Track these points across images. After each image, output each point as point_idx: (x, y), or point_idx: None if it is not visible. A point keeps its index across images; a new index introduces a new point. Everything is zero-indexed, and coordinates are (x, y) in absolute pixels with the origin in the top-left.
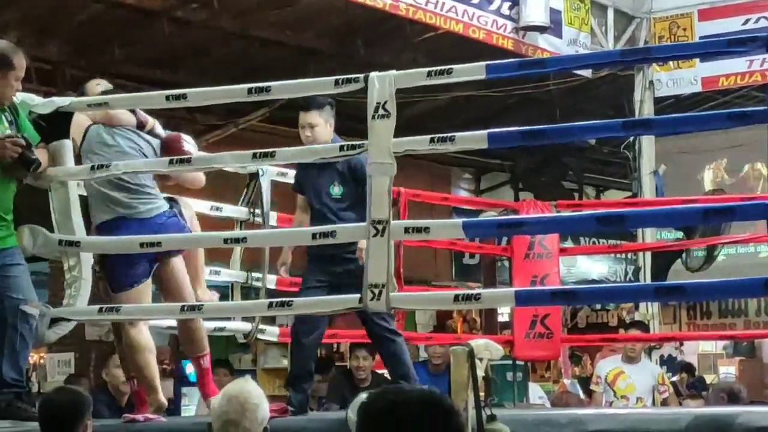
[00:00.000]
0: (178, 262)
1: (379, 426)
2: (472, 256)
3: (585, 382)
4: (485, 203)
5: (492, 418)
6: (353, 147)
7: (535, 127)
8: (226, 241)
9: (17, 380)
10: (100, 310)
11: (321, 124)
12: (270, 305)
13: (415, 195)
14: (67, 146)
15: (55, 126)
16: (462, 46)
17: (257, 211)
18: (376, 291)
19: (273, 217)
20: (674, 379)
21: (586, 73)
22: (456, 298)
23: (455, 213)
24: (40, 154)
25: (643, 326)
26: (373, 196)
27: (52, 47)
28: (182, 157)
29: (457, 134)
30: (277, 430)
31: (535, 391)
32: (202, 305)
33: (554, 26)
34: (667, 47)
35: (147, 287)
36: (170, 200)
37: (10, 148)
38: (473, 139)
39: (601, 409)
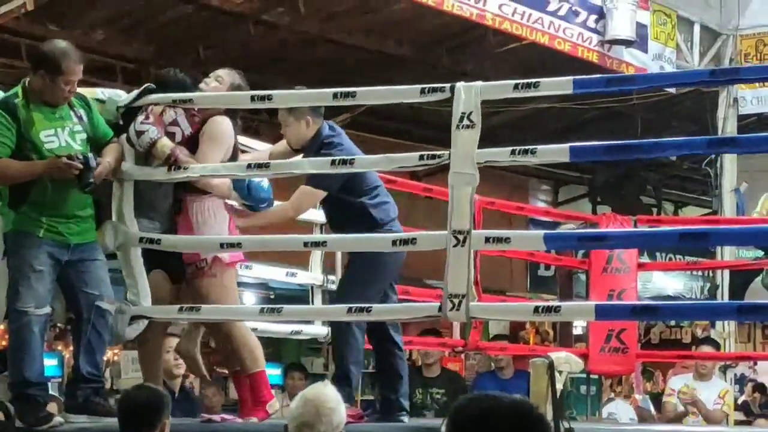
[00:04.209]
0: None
1: None
2: (547, 267)
3: (656, 398)
4: (563, 215)
5: (570, 431)
6: (433, 156)
7: (619, 141)
8: (306, 244)
9: (95, 375)
10: (180, 309)
11: (291, 124)
12: (349, 310)
13: (489, 203)
14: None
15: (128, 120)
16: (545, 56)
17: None
18: (456, 301)
19: None
20: (743, 398)
21: (671, 88)
22: (536, 309)
23: (531, 224)
24: (112, 151)
25: (714, 343)
26: (454, 206)
27: (137, 46)
28: (261, 162)
29: (539, 147)
30: None
31: (626, 411)
32: (282, 308)
33: (640, 40)
34: (757, 68)
35: None
36: None
37: (63, 170)
38: (555, 152)
39: (676, 425)
